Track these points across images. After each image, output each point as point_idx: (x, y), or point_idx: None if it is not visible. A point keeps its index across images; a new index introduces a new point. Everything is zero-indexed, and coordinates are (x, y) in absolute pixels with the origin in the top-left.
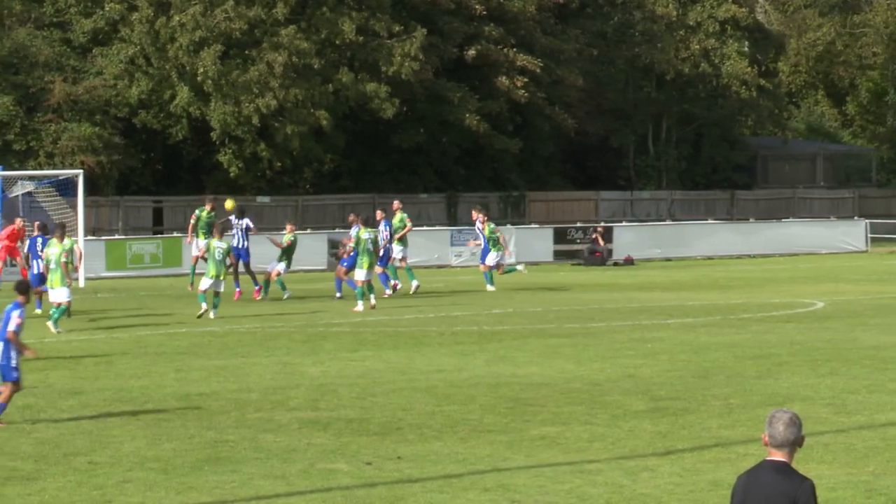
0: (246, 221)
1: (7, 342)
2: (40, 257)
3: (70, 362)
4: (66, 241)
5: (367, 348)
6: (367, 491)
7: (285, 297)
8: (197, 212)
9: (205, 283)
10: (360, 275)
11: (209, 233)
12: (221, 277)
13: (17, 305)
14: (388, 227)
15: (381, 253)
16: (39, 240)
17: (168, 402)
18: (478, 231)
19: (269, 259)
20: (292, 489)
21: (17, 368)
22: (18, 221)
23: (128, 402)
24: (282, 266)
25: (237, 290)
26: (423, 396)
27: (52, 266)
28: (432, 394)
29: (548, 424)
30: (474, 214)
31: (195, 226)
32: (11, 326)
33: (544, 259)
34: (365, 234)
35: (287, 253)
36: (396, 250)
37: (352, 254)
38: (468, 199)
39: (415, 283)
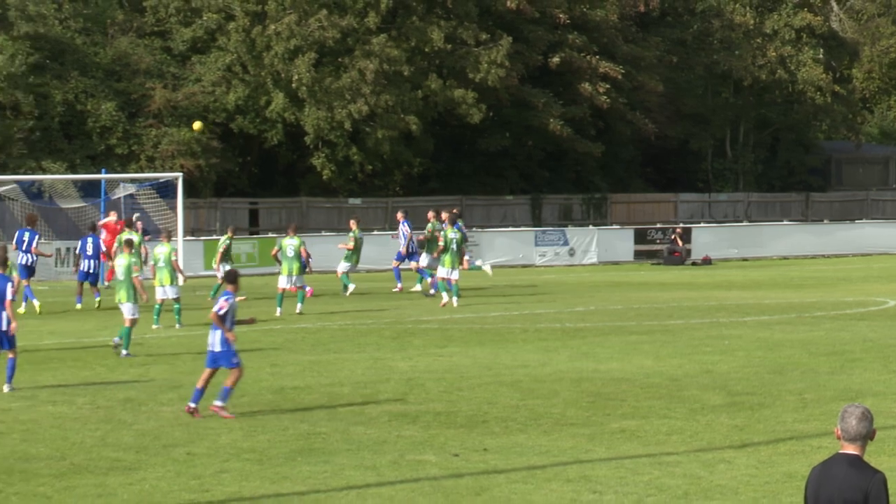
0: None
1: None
2: (90, 257)
3: (169, 357)
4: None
5: (454, 344)
6: (454, 481)
7: (347, 293)
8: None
9: (282, 282)
10: (441, 272)
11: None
12: (294, 274)
13: (227, 294)
14: (407, 226)
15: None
16: (90, 239)
17: (263, 396)
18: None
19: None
20: (382, 479)
21: (235, 354)
22: (113, 215)
23: None
24: (346, 265)
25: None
26: (507, 391)
27: (161, 265)
28: (517, 388)
29: (628, 418)
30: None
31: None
32: (214, 308)
33: (625, 259)
34: (451, 233)
35: (355, 251)
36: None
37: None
38: (552, 201)
39: (418, 286)
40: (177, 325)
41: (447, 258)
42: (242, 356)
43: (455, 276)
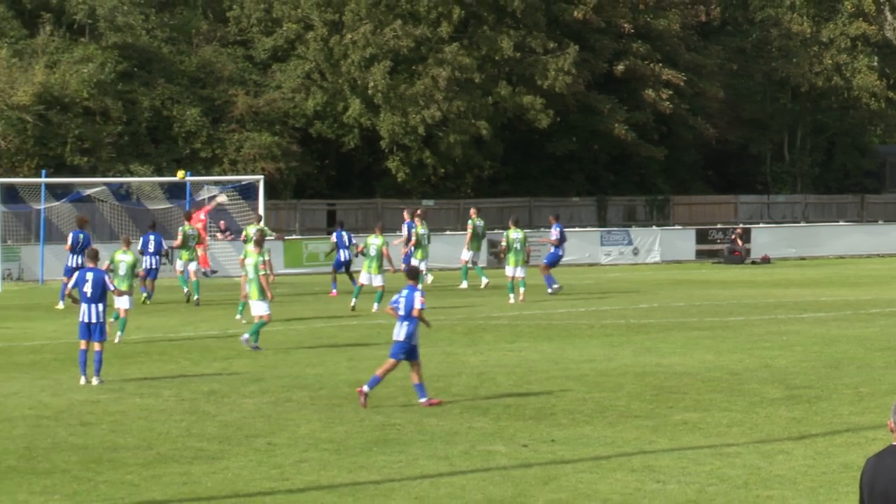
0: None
1: (412, 322)
2: (151, 253)
3: (251, 352)
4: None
5: (523, 340)
6: (522, 471)
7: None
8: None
9: (363, 278)
10: (508, 271)
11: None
12: (373, 272)
13: (413, 289)
14: (411, 228)
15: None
16: (152, 236)
17: (341, 389)
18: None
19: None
20: (454, 469)
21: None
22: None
23: (304, 389)
24: (469, 254)
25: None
26: (574, 384)
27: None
28: (583, 382)
29: (690, 410)
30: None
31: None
32: (417, 304)
33: (687, 258)
34: (514, 233)
35: (474, 239)
36: (467, 254)
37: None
38: (617, 203)
39: (484, 279)
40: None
41: (511, 257)
42: (321, 351)
43: (520, 273)
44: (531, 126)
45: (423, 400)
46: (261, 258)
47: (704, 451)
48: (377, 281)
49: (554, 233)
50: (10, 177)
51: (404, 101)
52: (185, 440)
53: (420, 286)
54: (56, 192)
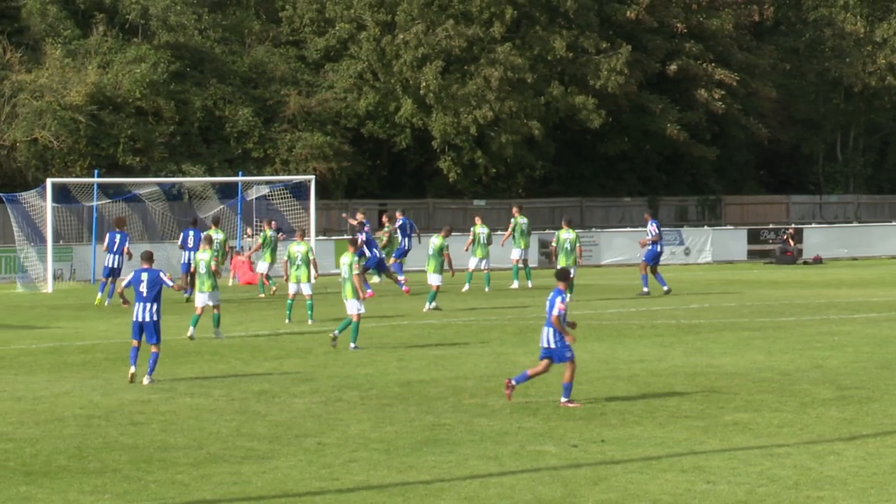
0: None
1: (551, 326)
2: (191, 249)
3: (302, 352)
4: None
5: None
6: (572, 471)
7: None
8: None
9: (432, 279)
10: None
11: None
12: (434, 272)
13: (559, 292)
14: (412, 228)
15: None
16: (191, 232)
17: (391, 389)
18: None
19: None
20: (504, 469)
21: (569, 348)
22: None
23: (354, 388)
24: (518, 252)
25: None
26: (625, 384)
27: (298, 262)
28: (634, 382)
29: (740, 411)
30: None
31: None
32: (555, 311)
33: (738, 258)
34: (565, 234)
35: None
36: (516, 252)
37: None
38: (668, 203)
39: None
40: (309, 321)
41: (562, 257)
42: (371, 351)
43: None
44: (583, 126)
45: (563, 399)
46: (355, 258)
47: (755, 451)
48: (434, 280)
49: (652, 229)
50: (62, 176)
51: (456, 101)
52: (235, 440)
53: (566, 290)
54: (108, 192)
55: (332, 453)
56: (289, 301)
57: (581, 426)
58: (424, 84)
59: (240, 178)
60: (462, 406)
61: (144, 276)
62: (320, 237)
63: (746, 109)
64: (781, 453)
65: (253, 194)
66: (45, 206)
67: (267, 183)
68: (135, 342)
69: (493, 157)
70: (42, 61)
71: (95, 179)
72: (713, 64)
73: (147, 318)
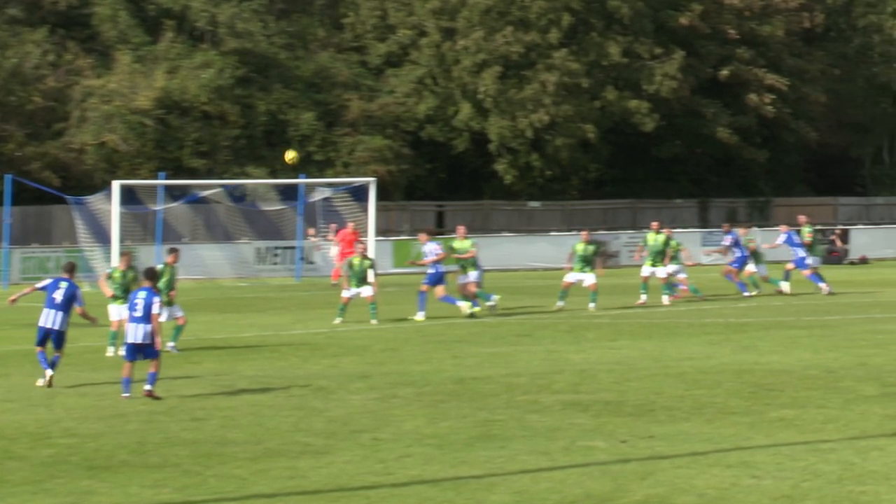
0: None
1: None
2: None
3: (359, 349)
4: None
5: (624, 338)
6: (621, 466)
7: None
8: None
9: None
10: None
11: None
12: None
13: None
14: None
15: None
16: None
17: (445, 385)
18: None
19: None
20: (554, 464)
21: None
22: (351, 225)
23: (410, 385)
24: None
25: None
26: (673, 381)
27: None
28: (682, 379)
29: (786, 407)
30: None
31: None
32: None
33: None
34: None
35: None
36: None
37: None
38: (719, 205)
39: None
40: (373, 321)
41: (648, 260)
42: (427, 348)
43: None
44: (637, 129)
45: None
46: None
47: (800, 447)
48: (588, 280)
49: (727, 240)
50: (129, 179)
51: (513, 105)
52: (292, 435)
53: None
54: (173, 194)
55: (387, 448)
56: (342, 306)
57: (630, 422)
58: (483, 89)
59: (302, 181)
60: (514, 402)
61: (64, 285)
62: (379, 238)
63: (796, 113)
64: (826, 449)
65: (316, 196)
66: (109, 208)
67: (328, 185)
68: (39, 348)
69: (549, 160)
70: (112, 67)
71: (161, 181)
72: (764, 69)
73: (57, 327)
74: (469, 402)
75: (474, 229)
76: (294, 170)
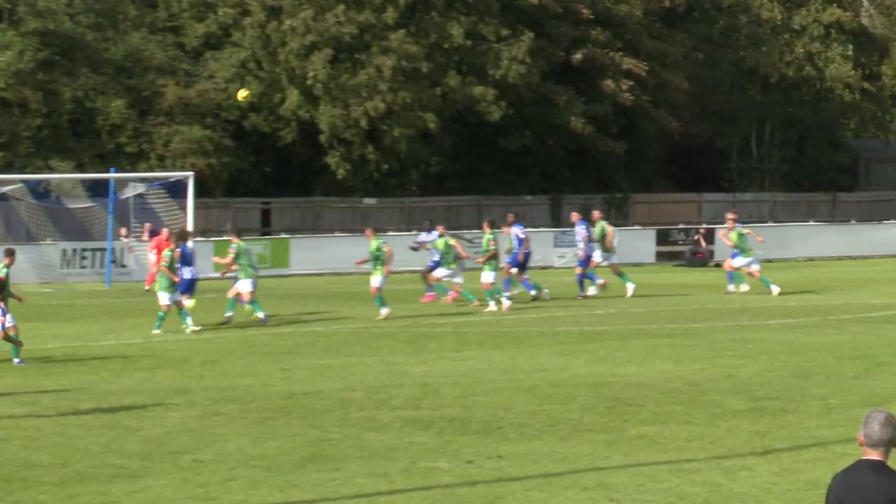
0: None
1: None
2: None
3: (177, 362)
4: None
5: (470, 348)
6: (467, 489)
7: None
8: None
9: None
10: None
11: None
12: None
13: None
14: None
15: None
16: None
17: (273, 401)
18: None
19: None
20: (394, 487)
21: None
22: (165, 231)
23: (233, 401)
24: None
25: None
26: (524, 396)
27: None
28: (533, 393)
29: (647, 424)
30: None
31: None
32: None
33: (647, 260)
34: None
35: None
36: (599, 256)
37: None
38: (572, 201)
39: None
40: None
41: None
42: (253, 360)
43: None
44: (482, 119)
45: None
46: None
47: (662, 467)
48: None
49: (580, 231)
50: None
51: (346, 92)
52: (104, 457)
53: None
54: None
55: (209, 471)
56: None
57: (477, 441)
58: (312, 74)
59: (113, 175)
60: (349, 420)
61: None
62: (199, 238)
63: (656, 101)
64: (690, 469)
65: (129, 192)
66: None
67: (142, 180)
68: None
69: (386, 153)
70: None
71: None
72: (621, 53)
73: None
74: (299, 419)
75: (303, 229)
76: (114, 157)
